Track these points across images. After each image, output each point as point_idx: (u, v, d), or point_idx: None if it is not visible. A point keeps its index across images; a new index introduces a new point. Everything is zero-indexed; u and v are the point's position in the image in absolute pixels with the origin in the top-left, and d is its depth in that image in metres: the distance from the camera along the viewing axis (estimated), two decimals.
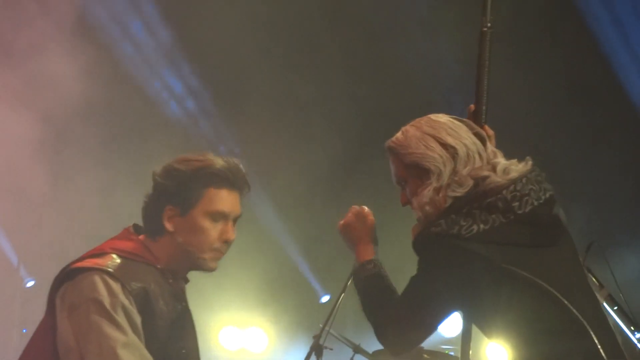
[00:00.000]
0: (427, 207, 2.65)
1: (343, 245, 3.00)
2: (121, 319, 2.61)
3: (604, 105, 8.23)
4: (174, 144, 8.04)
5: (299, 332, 8.70)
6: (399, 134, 2.76)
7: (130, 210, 3.34)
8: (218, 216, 2.81)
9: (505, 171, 2.65)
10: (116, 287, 2.65)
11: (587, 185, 8.12)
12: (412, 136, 2.72)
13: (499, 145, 2.82)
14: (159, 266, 2.81)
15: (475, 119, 2.93)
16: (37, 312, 2.79)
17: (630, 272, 7.64)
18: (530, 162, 2.71)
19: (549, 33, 8.10)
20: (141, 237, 2.87)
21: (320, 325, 5.10)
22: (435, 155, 2.67)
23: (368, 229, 2.93)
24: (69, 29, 7.64)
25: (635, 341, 4.00)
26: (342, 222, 2.97)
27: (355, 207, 2.98)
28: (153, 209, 2.84)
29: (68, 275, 2.70)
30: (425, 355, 5.61)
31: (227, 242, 2.84)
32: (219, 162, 2.84)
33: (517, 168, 2.67)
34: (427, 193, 2.65)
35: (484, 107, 2.98)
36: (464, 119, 2.80)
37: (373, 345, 5.04)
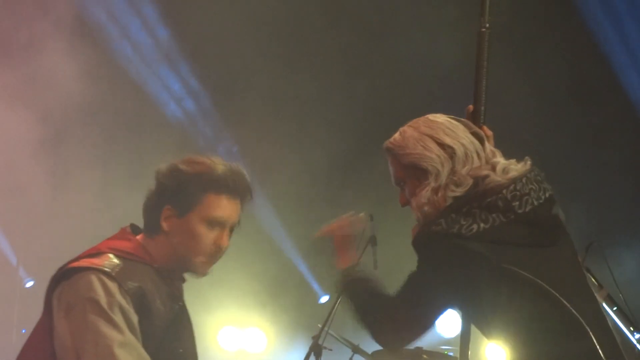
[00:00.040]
0: (426, 208, 2.64)
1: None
2: (118, 318, 2.60)
3: (604, 105, 8.23)
4: (173, 144, 8.04)
5: (298, 332, 8.68)
6: (396, 135, 2.76)
7: (129, 210, 3.33)
8: (215, 222, 2.79)
9: (505, 170, 2.64)
10: (113, 286, 2.64)
11: (587, 185, 8.11)
12: (409, 137, 2.72)
13: (498, 146, 2.82)
14: (155, 266, 2.80)
15: (474, 119, 2.92)
16: (36, 312, 2.78)
17: (630, 272, 7.63)
18: (529, 162, 2.71)
19: (549, 33, 8.10)
20: (139, 237, 2.86)
21: (319, 326, 5.10)
22: (433, 156, 2.66)
23: (349, 236, 2.97)
24: (68, 28, 7.65)
25: (635, 341, 3.99)
26: (325, 229, 3.00)
27: (343, 217, 3.00)
28: (152, 207, 2.83)
29: (65, 275, 2.69)
30: (424, 356, 5.61)
31: (220, 249, 2.82)
32: (221, 167, 2.81)
33: (517, 167, 2.67)
34: (426, 193, 2.65)
35: (482, 108, 2.98)
36: (462, 119, 2.79)
37: (372, 345, 5.01)
